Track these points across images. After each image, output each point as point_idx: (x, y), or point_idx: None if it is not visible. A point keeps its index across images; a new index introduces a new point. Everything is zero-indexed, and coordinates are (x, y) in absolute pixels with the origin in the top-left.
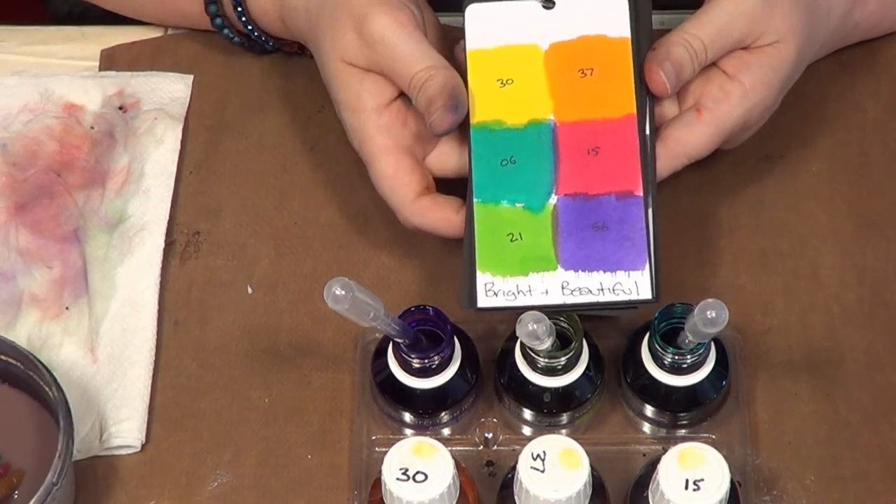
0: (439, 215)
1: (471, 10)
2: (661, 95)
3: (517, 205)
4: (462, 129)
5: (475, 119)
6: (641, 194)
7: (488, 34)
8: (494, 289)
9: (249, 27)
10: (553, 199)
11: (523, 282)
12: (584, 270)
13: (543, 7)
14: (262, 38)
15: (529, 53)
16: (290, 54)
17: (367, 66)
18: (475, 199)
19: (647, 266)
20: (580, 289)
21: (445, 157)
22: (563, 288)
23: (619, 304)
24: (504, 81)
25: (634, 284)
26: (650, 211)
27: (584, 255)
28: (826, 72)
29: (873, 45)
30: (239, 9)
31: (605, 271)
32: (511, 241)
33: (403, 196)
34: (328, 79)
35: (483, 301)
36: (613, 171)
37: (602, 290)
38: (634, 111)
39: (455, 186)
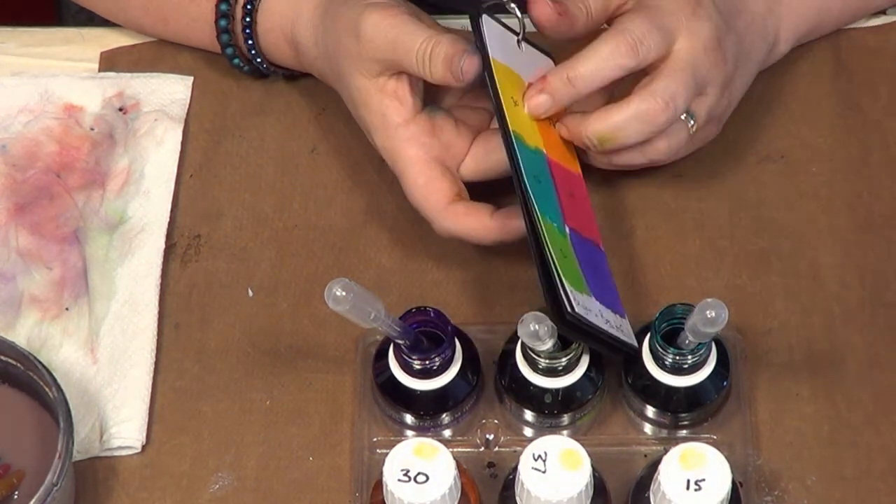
0: (473, 220)
1: (486, 20)
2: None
3: (553, 224)
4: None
5: (511, 126)
6: (604, 251)
7: (497, 49)
8: (578, 301)
9: (259, 59)
10: (567, 228)
11: (586, 300)
12: (603, 304)
13: (518, 43)
14: (270, 69)
15: (520, 83)
16: None
17: (380, 69)
18: (539, 212)
19: (626, 316)
20: (610, 322)
21: (475, 164)
22: (602, 317)
23: (624, 345)
24: (515, 101)
25: (629, 329)
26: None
27: (598, 288)
28: (826, 72)
29: (873, 45)
30: (250, 42)
31: (613, 311)
32: (564, 257)
33: (436, 202)
34: (354, 106)
35: (580, 310)
36: (585, 221)
37: (621, 329)
38: (580, 171)
39: (481, 193)
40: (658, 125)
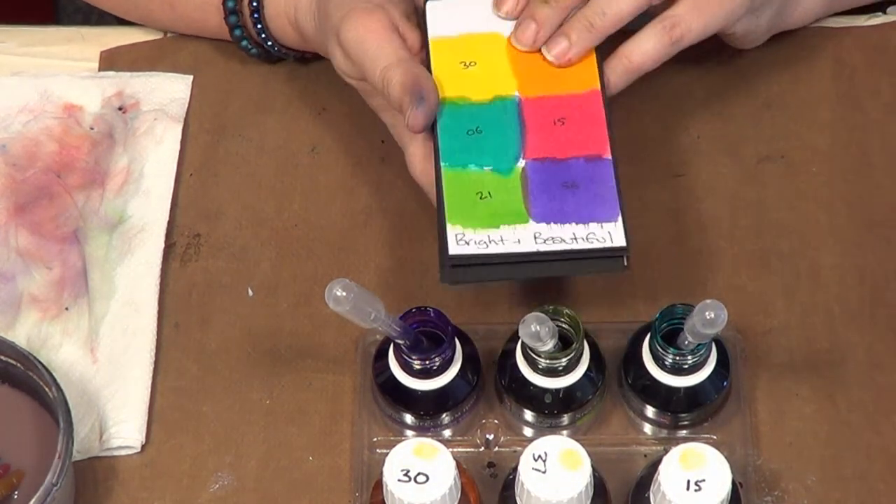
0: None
1: (431, 5)
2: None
3: (485, 168)
4: None
5: (440, 96)
6: (610, 157)
7: (450, 25)
8: (465, 238)
9: (269, 42)
10: (521, 163)
11: (495, 233)
12: (556, 222)
13: None
14: (281, 51)
15: (492, 40)
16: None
17: (357, 76)
18: (442, 164)
19: (620, 217)
20: (553, 238)
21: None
22: (535, 238)
23: (592, 252)
24: (468, 63)
25: (608, 234)
26: (617, 174)
27: (556, 209)
28: (826, 72)
29: (873, 45)
30: (259, 25)
31: (577, 223)
32: (480, 198)
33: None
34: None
35: (454, 248)
36: (581, 138)
37: (575, 238)
38: (598, 86)
39: None
40: None
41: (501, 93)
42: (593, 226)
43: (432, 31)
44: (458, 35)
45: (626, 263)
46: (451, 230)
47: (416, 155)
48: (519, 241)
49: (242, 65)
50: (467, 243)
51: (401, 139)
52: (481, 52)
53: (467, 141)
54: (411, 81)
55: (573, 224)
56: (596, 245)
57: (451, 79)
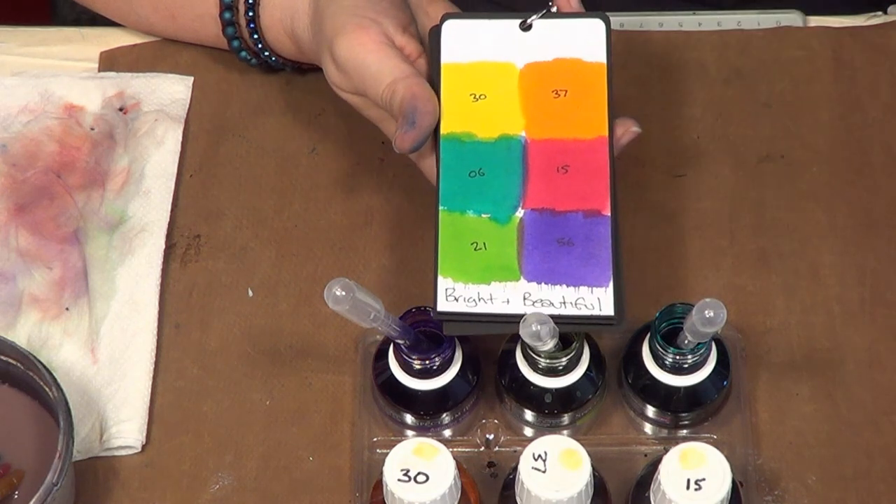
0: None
1: (448, 26)
2: None
3: (483, 215)
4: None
5: (445, 129)
6: (609, 214)
7: (464, 49)
8: (455, 294)
9: (266, 53)
10: (520, 213)
11: (485, 289)
12: (546, 283)
13: (521, 28)
14: (279, 62)
15: (504, 71)
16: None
17: (351, 90)
18: (441, 207)
19: (611, 284)
20: (542, 300)
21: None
22: (524, 298)
23: (581, 318)
24: (477, 96)
25: (597, 300)
26: (615, 232)
27: (548, 269)
28: (826, 71)
29: (874, 44)
30: (255, 36)
31: (567, 285)
32: (475, 249)
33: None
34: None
35: (443, 305)
36: (582, 190)
37: (564, 303)
38: (606, 133)
39: None
40: None
41: (508, 131)
42: (583, 290)
43: (446, 55)
44: (470, 62)
45: (618, 323)
46: (442, 283)
47: (431, 163)
48: (508, 301)
49: (243, 66)
50: (456, 300)
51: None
52: (492, 83)
53: (468, 184)
54: (408, 100)
55: (563, 286)
56: (584, 312)
57: (458, 111)
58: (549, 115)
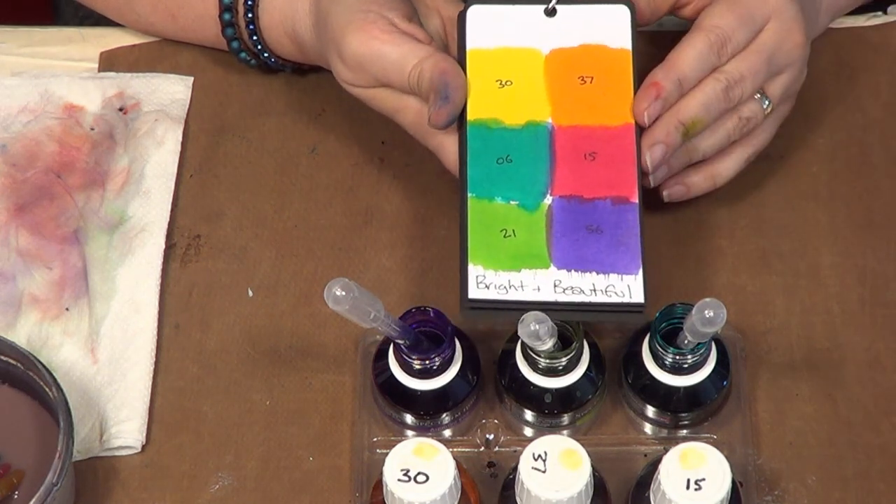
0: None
1: (473, 11)
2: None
3: (511, 202)
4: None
5: (472, 116)
6: (637, 201)
7: (489, 35)
8: (486, 281)
9: (266, 54)
10: (548, 200)
11: (515, 277)
12: (577, 270)
13: (546, 14)
14: (278, 63)
15: (530, 56)
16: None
17: (367, 84)
18: (469, 194)
19: (641, 271)
20: (572, 288)
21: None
22: (555, 286)
23: (610, 306)
24: (503, 82)
25: (627, 288)
26: (642, 220)
27: (578, 256)
28: (826, 72)
29: (874, 44)
30: (255, 37)
31: (598, 272)
32: (504, 236)
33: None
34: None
35: (474, 292)
36: (609, 177)
37: (594, 290)
38: (633, 121)
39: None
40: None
41: (535, 118)
42: (613, 277)
43: (471, 40)
44: (495, 48)
45: (644, 313)
46: (473, 271)
47: (452, 150)
48: (538, 289)
49: (243, 67)
50: (487, 287)
51: (426, 138)
52: (518, 69)
53: (496, 170)
54: (438, 77)
55: (593, 273)
56: (614, 299)
57: (485, 97)
58: (576, 102)
